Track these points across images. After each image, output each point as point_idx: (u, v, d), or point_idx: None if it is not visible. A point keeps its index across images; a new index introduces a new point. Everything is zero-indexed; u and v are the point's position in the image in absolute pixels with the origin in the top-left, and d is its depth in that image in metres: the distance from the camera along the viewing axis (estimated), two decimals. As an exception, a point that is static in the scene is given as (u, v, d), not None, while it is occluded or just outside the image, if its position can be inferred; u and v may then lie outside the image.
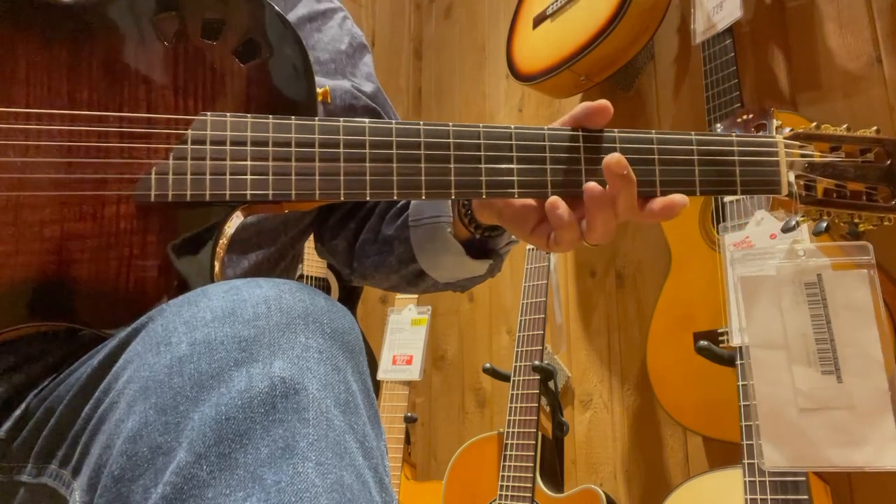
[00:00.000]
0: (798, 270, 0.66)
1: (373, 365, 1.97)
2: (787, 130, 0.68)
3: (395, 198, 0.61)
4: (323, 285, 2.13)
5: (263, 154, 0.59)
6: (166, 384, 0.42)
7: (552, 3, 1.84)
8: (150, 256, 0.58)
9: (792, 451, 0.64)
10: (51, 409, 0.54)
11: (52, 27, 0.59)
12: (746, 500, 1.14)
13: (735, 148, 0.66)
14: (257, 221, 0.78)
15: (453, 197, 0.63)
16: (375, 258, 0.85)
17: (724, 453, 1.55)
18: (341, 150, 0.60)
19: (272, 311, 0.45)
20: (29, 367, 0.60)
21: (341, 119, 0.61)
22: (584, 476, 1.89)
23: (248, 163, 0.59)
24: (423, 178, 0.61)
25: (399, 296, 2.05)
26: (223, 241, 0.60)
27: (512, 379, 1.64)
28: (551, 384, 1.66)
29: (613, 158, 0.61)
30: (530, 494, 1.52)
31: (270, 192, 0.59)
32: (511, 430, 1.59)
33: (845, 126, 0.68)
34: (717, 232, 1.43)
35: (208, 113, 0.59)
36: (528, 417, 1.58)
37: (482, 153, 0.63)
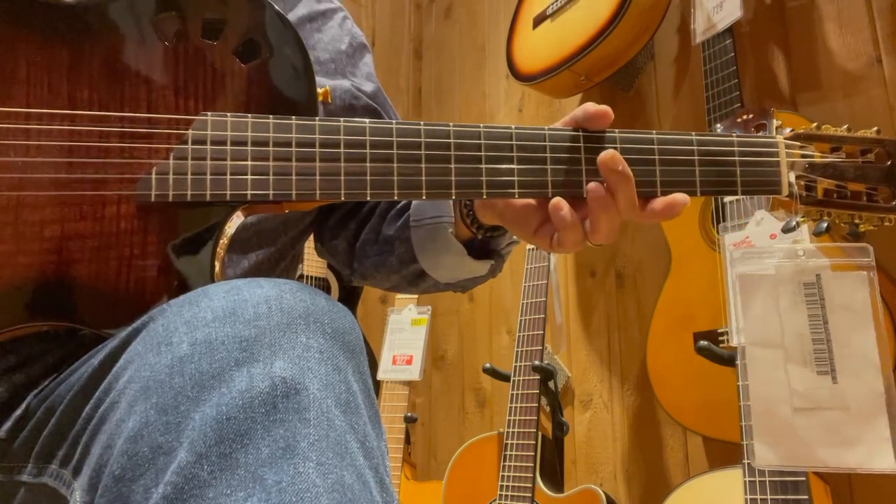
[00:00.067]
0: (797, 270, 0.66)
1: (373, 365, 1.97)
2: (787, 131, 0.68)
3: (396, 198, 0.61)
4: (323, 285, 2.13)
5: (264, 154, 0.59)
6: (167, 384, 0.42)
7: (552, 3, 1.84)
8: (151, 256, 0.58)
9: (784, 450, 0.64)
10: (51, 408, 0.54)
11: (53, 27, 0.59)
12: (746, 500, 1.14)
13: (736, 148, 0.66)
14: (257, 221, 0.78)
15: (454, 197, 0.63)
16: (376, 258, 0.85)
17: (724, 453, 1.55)
18: (342, 150, 0.60)
19: (273, 311, 0.45)
20: (29, 367, 0.60)
21: (342, 119, 0.61)
22: (584, 476, 1.89)
23: (249, 163, 0.59)
24: (423, 178, 0.61)
25: (399, 296, 2.05)
26: (223, 241, 0.60)
27: (512, 379, 1.64)
28: (551, 384, 1.66)
29: (607, 155, 0.61)
30: (530, 494, 1.52)
31: (271, 192, 0.59)
32: (511, 430, 1.59)
33: (846, 127, 0.68)
34: (717, 232, 1.43)
35: (209, 113, 0.59)
36: (528, 417, 1.58)
37: (483, 153, 0.63)
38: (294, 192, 0.59)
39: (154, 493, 0.39)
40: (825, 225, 0.67)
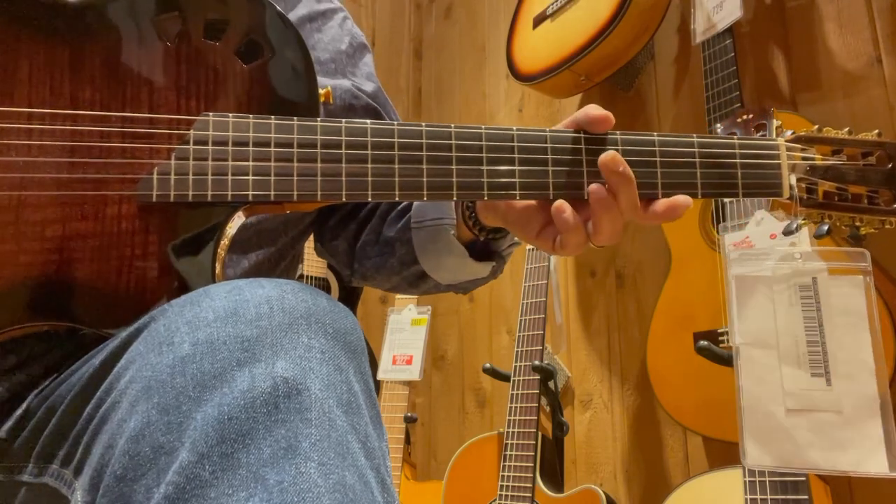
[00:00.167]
0: (794, 273, 0.66)
1: (373, 365, 1.97)
2: (788, 133, 0.68)
3: (397, 199, 0.61)
4: (323, 285, 2.13)
5: (265, 155, 0.59)
6: (169, 384, 0.42)
7: (552, 3, 1.84)
8: (152, 256, 0.58)
9: (776, 450, 0.64)
10: (52, 408, 0.54)
11: (55, 27, 0.59)
12: (746, 500, 1.14)
13: (737, 151, 0.66)
14: (257, 222, 0.78)
15: (455, 198, 0.63)
16: (377, 259, 0.85)
17: (724, 453, 1.55)
18: (343, 151, 0.60)
19: (275, 311, 0.45)
20: (30, 367, 0.60)
21: (343, 120, 0.61)
22: (584, 476, 1.89)
23: (250, 163, 0.59)
24: (425, 179, 0.61)
25: (399, 296, 2.05)
26: (224, 241, 0.60)
27: (512, 379, 1.64)
28: (551, 384, 1.66)
29: (608, 156, 0.62)
30: (530, 494, 1.52)
31: (272, 192, 0.59)
32: (511, 430, 1.59)
33: (847, 129, 0.68)
34: (717, 232, 1.43)
35: (210, 113, 0.59)
36: (528, 417, 1.58)
37: (484, 155, 0.63)
38: (295, 192, 0.59)
39: (156, 492, 0.39)
40: (826, 228, 0.67)
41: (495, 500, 1.57)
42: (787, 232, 0.67)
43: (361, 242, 0.87)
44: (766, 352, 0.66)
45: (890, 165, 0.67)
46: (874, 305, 0.64)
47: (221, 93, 0.61)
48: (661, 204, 0.63)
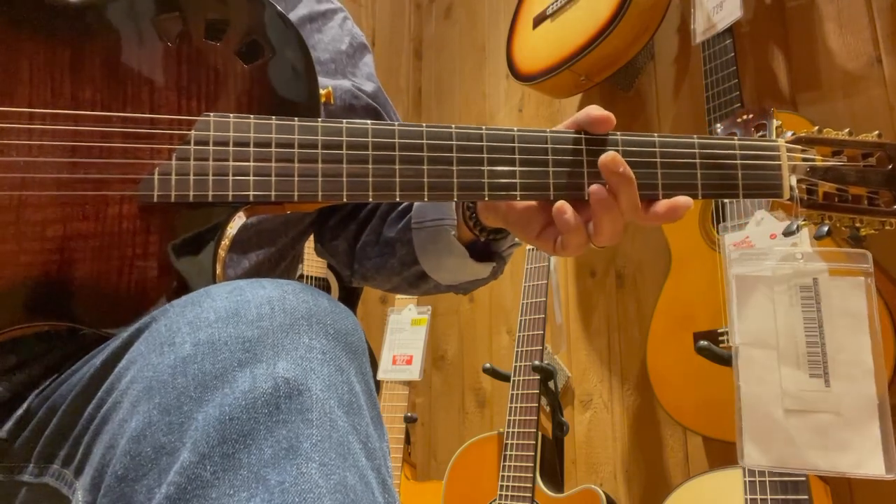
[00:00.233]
0: (794, 273, 0.66)
1: (373, 365, 1.97)
2: (788, 134, 0.68)
3: (398, 199, 0.61)
4: (323, 285, 2.13)
5: (266, 155, 0.59)
6: (170, 384, 0.42)
7: (552, 3, 1.84)
8: (152, 256, 0.58)
9: (774, 451, 0.64)
10: (53, 408, 0.54)
11: (56, 27, 0.59)
12: (746, 500, 1.14)
13: (737, 152, 0.66)
14: (257, 222, 0.78)
15: (455, 199, 0.63)
16: (377, 260, 0.85)
17: (724, 453, 1.55)
18: (344, 151, 0.60)
19: (276, 311, 0.45)
20: (30, 367, 0.60)
21: (344, 121, 0.61)
22: (584, 476, 1.89)
23: (251, 164, 0.59)
24: (425, 180, 0.61)
25: (399, 296, 2.05)
26: (225, 241, 0.60)
27: (512, 379, 1.65)
28: (551, 384, 1.66)
29: (608, 157, 0.62)
30: (530, 494, 1.52)
31: (273, 193, 0.59)
32: (511, 430, 1.59)
33: (847, 130, 0.68)
34: (717, 232, 1.43)
35: (211, 114, 0.59)
36: (528, 417, 1.58)
37: (485, 155, 0.63)
38: (296, 193, 0.59)
39: (157, 493, 0.39)
40: (826, 229, 0.67)
41: (495, 500, 1.57)
42: (788, 233, 0.67)
43: (362, 243, 0.87)
44: (766, 352, 0.66)
45: (890, 167, 0.67)
46: (875, 307, 0.64)
47: (222, 93, 0.61)
48: (662, 205, 0.63)
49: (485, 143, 0.63)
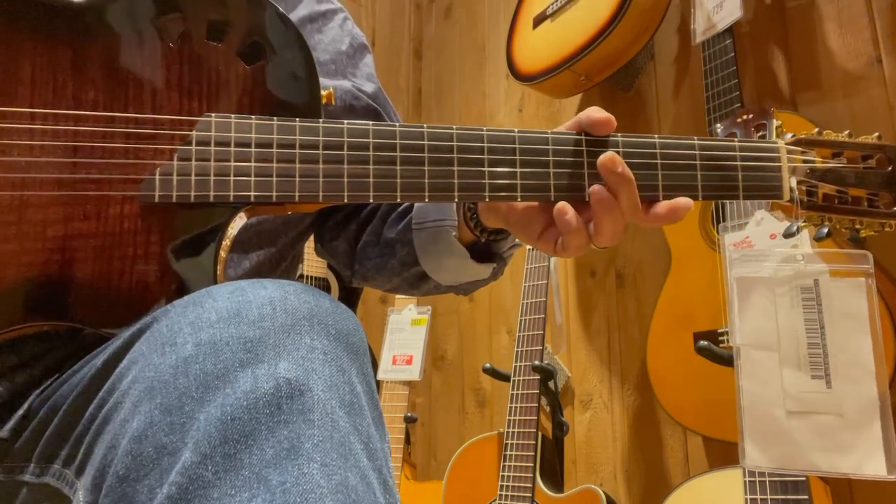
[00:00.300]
0: (795, 274, 0.66)
1: (373, 365, 1.97)
2: (788, 135, 0.68)
3: (399, 200, 0.62)
4: (323, 285, 2.13)
5: (267, 156, 0.59)
6: (171, 384, 0.42)
7: (552, 3, 1.84)
8: (153, 257, 0.58)
9: (776, 452, 0.65)
10: (54, 408, 0.54)
11: (57, 27, 0.59)
12: (746, 500, 1.14)
13: (737, 153, 0.66)
14: (258, 222, 0.78)
15: (456, 200, 0.63)
16: (377, 260, 0.85)
17: (724, 453, 1.55)
18: (345, 152, 0.60)
19: (277, 312, 0.45)
20: (31, 367, 0.60)
21: (345, 121, 0.61)
22: (584, 476, 1.89)
23: (252, 164, 0.59)
24: (426, 180, 0.62)
25: (399, 296, 2.05)
26: (226, 242, 0.60)
27: (512, 379, 1.65)
28: (551, 384, 1.66)
29: (607, 157, 0.62)
30: (530, 494, 1.52)
31: (274, 193, 0.59)
32: (511, 430, 1.59)
33: (847, 132, 0.68)
34: (717, 232, 1.44)
35: (212, 114, 0.59)
36: (528, 417, 1.58)
37: (485, 156, 0.63)
38: (297, 193, 0.59)
39: (158, 493, 0.39)
40: (826, 230, 0.67)
41: (495, 500, 1.57)
42: (788, 234, 0.67)
43: (362, 243, 0.87)
44: (767, 353, 0.66)
45: (890, 168, 0.67)
46: (875, 308, 0.64)
47: (224, 94, 0.61)
48: (663, 206, 0.63)
49: (486, 145, 0.63)
